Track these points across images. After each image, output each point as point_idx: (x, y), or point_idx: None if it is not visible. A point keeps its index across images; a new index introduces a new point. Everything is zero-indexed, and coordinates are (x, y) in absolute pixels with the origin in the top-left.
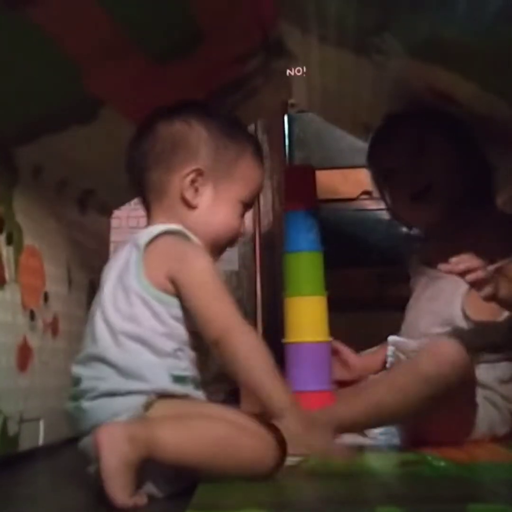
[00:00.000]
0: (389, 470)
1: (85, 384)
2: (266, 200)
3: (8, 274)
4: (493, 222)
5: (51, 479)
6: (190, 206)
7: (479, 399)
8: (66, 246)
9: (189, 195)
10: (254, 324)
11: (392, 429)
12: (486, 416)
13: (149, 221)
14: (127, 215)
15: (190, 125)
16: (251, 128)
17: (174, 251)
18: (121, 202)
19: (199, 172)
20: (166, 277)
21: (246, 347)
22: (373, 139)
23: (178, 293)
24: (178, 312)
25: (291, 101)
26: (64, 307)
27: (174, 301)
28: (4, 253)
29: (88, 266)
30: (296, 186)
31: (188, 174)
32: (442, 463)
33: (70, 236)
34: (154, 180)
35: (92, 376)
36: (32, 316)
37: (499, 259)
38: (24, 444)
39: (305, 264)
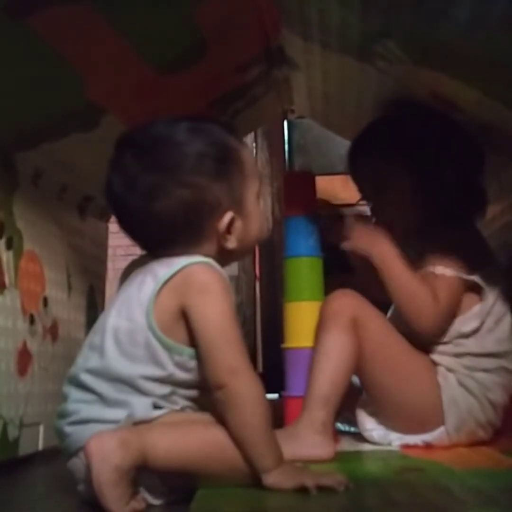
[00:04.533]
0: (389, 476)
1: (70, 406)
2: (266, 206)
3: (7, 279)
4: (452, 239)
5: (51, 484)
6: (228, 249)
7: (451, 381)
8: (65, 251)
9: (230, 244)
10: (254, 329)
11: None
12: (463, 400)
13: (165, 251)
14: None
15: (196, 185)
16: (251, 134)
17: (197, 282)
18: None
19: (232, 218)
20: (179, 307)
21: (250, 398)
22: (347, 163)
23: (186, 331)
24: (181, 359)
25: (291, 107)
26: (64, 312)
27: (180, 348)
28: (4, 258)
29: (87, 271)
30: (296, 191)
31: (224, 227)
32: (442, 470)
33: (69, 241)
34: (182, 240)
35: (77, 398)
36: (31, 321)
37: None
38: (24, 449)
39: (305, 269)
